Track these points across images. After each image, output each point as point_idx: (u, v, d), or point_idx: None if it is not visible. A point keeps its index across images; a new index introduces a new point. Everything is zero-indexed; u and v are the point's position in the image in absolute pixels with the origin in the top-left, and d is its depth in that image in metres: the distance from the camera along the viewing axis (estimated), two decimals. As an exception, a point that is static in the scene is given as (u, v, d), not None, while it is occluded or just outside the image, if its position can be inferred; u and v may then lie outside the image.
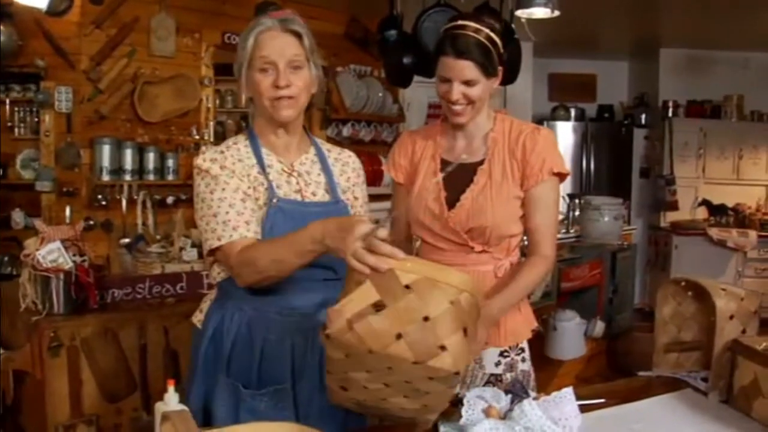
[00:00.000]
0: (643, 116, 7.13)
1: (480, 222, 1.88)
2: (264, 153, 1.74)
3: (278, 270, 1.54)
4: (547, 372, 4.02)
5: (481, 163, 1.93)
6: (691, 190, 6.66)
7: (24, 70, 4.25)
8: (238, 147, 1.74)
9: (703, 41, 6.52)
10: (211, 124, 5.21)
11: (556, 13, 4.30)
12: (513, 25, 4.05)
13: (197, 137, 5.00)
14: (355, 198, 1.87)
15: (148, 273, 2.66)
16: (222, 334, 1.70)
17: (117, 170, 4.47)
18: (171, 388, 1.45)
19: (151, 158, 4.63)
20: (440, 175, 1.94)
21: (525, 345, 2.01)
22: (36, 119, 4.36)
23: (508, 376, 1.96)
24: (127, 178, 4.50)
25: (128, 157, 4.51)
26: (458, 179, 1.92)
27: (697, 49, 6.81)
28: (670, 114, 6.76)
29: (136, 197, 4.32)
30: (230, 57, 5.98)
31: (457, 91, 1.83)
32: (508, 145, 1.92)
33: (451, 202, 1.92)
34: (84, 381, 2.28)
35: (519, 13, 4.35)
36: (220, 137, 7.42)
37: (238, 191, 1.67)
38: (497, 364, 1.95)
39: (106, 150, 4.42)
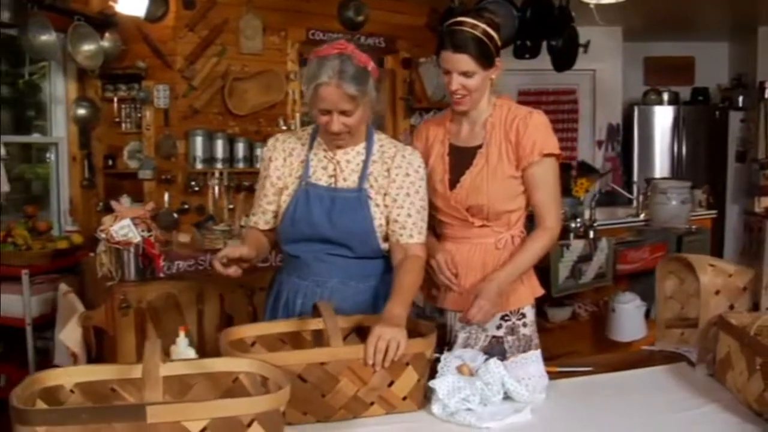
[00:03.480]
0: (741, 98, 6.85)
1: (477, 201, 2.07)
2: (317, 143, 2.05)
3: None
4: (611, 354, 4.07)
5: (480, 146, 2.10)
6: (789, 174, 6.35)
7: (128, 72, 4.78)
8: (304, 134, 2.10)
9: (804, 18, 6.20)
10: (297, 115, 5.55)
11: (622, -3, 4.32)
12: (573, 13, 4.11)
13: (284, 128, 5.35)
14: (387, 192, 2.01)
15: (211, 248, 3.03)
16: (272, 290, 2.16)
17: (209, 159, 4.91)
18: (182, 333, 1.76)
19: (240, 148, 5.04)
20: (446, 158, 2.15)
21: (527, 311, 2.16)
22: (139, 115, 4.88)
23: (510, 339, 2.12)
24: (219, 166, 4.94)
25: (219, 147, 4.95)
26: (460, 162, 2.13)
27: (799, 27, 6.47)
28: (766, 95, 6.45)
29: (226, 183, 4.74)
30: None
31: (456, 81, 2.01)
32: (503, 130, 2.08)
33: (454, 182, 2.11)
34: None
35: (587, -1, 4.40)
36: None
37: (268, 181, 2.08)
38: (498, 327, 2.12)
39: (199, 141, 4.87)
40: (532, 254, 2.07)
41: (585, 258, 3.72)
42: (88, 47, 4.38)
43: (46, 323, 3.61)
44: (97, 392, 1.39)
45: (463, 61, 1.98)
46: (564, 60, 4.09)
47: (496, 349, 1.98)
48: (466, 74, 1.99)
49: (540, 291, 2.21)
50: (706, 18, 6.56)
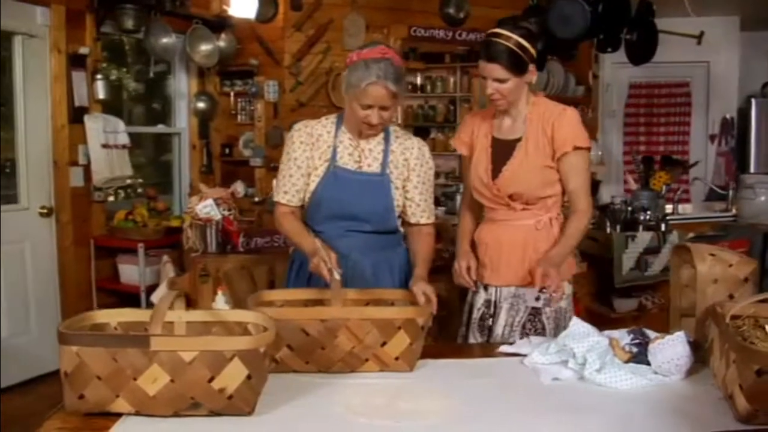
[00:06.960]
0: None
1: (517, 188, 2.30)
2: (342, 131, 2.33)
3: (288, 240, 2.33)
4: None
5: (520, 139, 2.32)
6: None
7: (242, 68, 5.30)
8: (328, 122, 2.36)
9: None
10: (399, 108, 5.85)
11: (714, -10, 4.28)
12: (654, 7, 4.11)
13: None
14: (407, 178, 2.33)
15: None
16: (294, 263, 2.42)
17: (312, 149, 5.32)
18: (220, 292, 2.12)
19: (343, 139, 5.41)
20: (489, 150, 2.37)
21: (563, 285, 2.31)
22: (252, 108, 5.39)
23: (547, 310, 2.33)
24: (321, 156, 5.33)
25: (322, 138, 5.35)
26: (502, 153, 2.34)
27: None
28: None
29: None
30: (438, 47, 6.49)
31: (491, 87, 2.22)
32: (540, 125, 2.29)
33: (496, 172, 2.34)
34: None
35: (678, -8, 4.40)
36: (430, 119, 8.09)
37: (298, 162, 2.31)
38: (537, 299, 2.34)
39: (303, 132, 5.29)
40: (574, 233, 2.28)
41: (652, 250, 3.76)
42: (204, 47, 4.92)
43: (158, 290, 4.17)
44: (133, 330, 1.75)
45: (496, 70, 2.18)
46: (641, 53, 4.09)
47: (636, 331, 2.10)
48: (499, 81, 2.20)
49: (575, 269, 2.45)
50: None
